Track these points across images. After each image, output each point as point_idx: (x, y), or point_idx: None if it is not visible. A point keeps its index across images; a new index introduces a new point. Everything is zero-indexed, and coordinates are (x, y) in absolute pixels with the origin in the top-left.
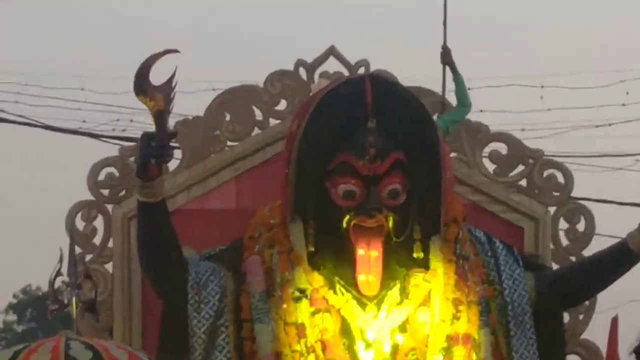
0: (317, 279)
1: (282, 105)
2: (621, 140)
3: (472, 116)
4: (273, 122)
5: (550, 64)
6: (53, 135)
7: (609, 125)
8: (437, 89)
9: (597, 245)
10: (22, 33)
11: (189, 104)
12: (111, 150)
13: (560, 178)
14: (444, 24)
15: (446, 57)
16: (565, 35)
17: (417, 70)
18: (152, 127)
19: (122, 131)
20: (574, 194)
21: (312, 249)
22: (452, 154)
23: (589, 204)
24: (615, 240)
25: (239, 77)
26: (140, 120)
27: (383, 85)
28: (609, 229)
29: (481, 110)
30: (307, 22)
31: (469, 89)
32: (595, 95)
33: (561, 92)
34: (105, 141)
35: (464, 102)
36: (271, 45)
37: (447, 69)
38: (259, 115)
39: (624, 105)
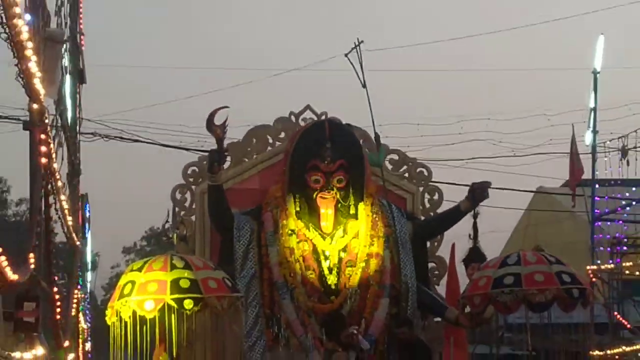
0: (300, 224)
1: (283, 135)
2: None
3: (385, 141)
4: (277, 144)
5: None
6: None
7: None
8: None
9: (444, 207)
10: None
11: (234, 133)
12: (195, 158)
13: (426, 172)
14: (370, 108)
15: (377, 140)
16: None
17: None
18: (215, 146)
19: (201, 146)
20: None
21: (297, 209)
22: (370, 155)
23: (441, 185)
24: (453, 204)
25: (263, 114)
26: (211, 142)
27: (335, 124)
28: (454, 197)
29: (386, 137)
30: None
31: (380, 125)
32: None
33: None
34: (193, 152)
35: (377, 162)
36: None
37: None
38: (270, 140)
39: None
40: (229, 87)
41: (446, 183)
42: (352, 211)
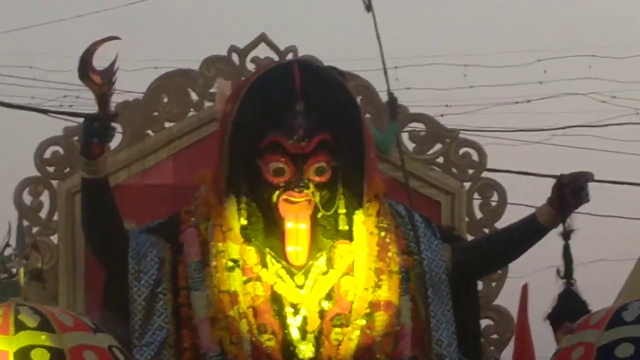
0: (249, 250)
1: (216, 88)
2: (538, 116)
3: (399, 94)
4: (208, 104)
5: (473, 43)
6: (2, 110)
7: (528, 102)
8: (367, 70)
9: (512, 215)
10: None
11: (132, 82)
12: (59, 125)
13: (474, 156)
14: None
15: (392, 105)
16: (488, 16)
17: (346, 54)
18: (94, 108)
19: (69, 107)
20: (494, 166)
21: (244, 222)
22: (374, 130)
23: (508, 176)
24: (531, 211)
25: (179, 56)
26: (86, 97)
27: (310, 70)
28: (526, 199)
29: (407, 88)
30: (241, 8)
31: (395, 67)
32: (515, 74)
33: (483, 71)
34: (52, 116)
35: (385, 145)
36: (208, 29)
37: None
38: (194, 97)
39: (540, 83)
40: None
41: (513, 172)
42: (341, 226)
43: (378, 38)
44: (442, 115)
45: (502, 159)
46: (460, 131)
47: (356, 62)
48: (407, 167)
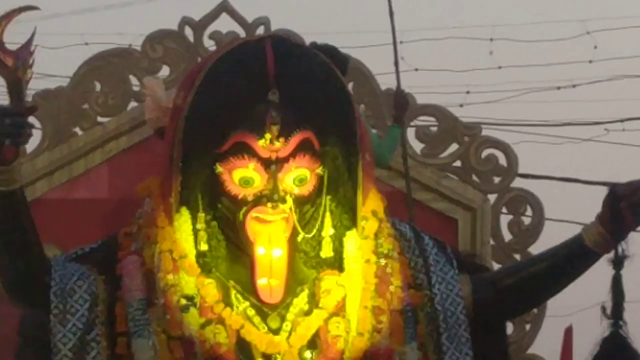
0: (208, 284)
1: (164, 72)
2: (587, 105)
3: (406, 77)
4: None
5: (501, 12)
6: None
7: (573, 86)
8: (361, 46)
9: (551, 236)
10: None
11: (56, 64)
12: None
13: (502, 159)
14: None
15: (399, 106)
16: None
17: (332, 27)
18: (7, 100)
19: None
20: (528, 170)
21: (202, 247)
22: (372, 132)
23: (545, 184)
24: (577, 230)
25: (117, 29)
26: None
27: (287, 49)
28: (572, 213)
29: (415, 69)
30: None
31: (400, 42)
32: (556, 50)
33: (515, 47)
34: None
35: (384, 155)
36: None
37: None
38: (136, 84)
39: (590, 62)
40: None
41: (552, 179)
42: (328, 252)
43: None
44: (461, 106)
45: (538, 162)
46: (484, 126)
47: (346, 37)
48: (414, 175)
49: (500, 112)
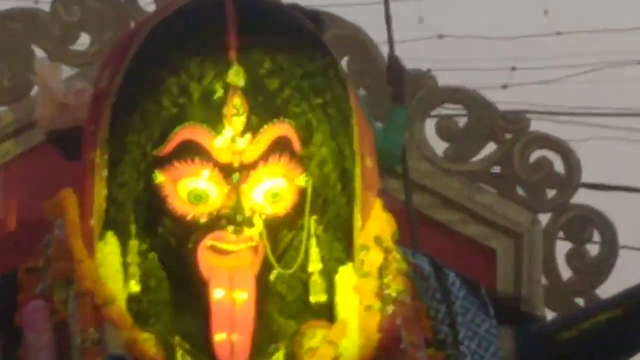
0: (144, 341)
1: (83, 41)
2: None
3: (425, 48)
4: (67, 71)
5: None
6: None
7: None
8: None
9: (627, 273)
10: None
11: None
12: None
13: (558, 165)
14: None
15: (395, 78)
16: None
17: None
18: None
19: None
20: (597, 179)
21: (134, 288)
22: (375, 125)
23: (624, 198)
24: None
25: None
26: None
27: (255, 10)
28: None
29: (440, 36)
30: None
31: None
32: (637, 8)
33: (579, 4)
34: None
35: (391, 149)
36: None
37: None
38: (42, 55)
39: None
40: None
41: (631, 190)
42: (315, 295)
43: None
44: (503, 87)
45: (611, 167)
46: (534, 117)
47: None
48: (434, 186)
49: (558, 96)
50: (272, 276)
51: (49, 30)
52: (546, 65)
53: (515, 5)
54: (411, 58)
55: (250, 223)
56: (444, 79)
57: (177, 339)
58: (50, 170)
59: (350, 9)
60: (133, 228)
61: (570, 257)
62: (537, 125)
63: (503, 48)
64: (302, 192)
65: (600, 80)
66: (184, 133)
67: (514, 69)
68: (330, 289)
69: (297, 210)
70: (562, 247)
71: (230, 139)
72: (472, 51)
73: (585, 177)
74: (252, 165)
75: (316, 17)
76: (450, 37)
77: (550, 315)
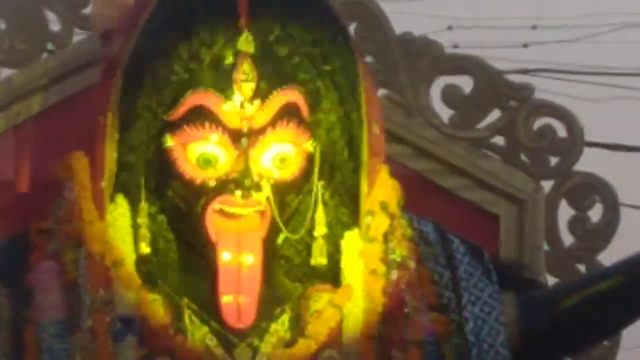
0: (152, 301)
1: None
2: None
3: (429, 4)
4: (79, 36)
5: None
6: None
7: None
8: None
9: (630, 240)
10: None
11: None
12: None
13: (562, 131)
14: None
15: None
16: None
17: None
18: None
19: None
20: (618, 139)
21: (144, 250)
22: (380, 92)
23: (625, 163)
24: None
25: None
26: None
27: None
28: None
29: None
30: None
31: None
32: None
33: None
34: None
35: None
36: None
37: None
38: (55, 24)
39: None
40: None
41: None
42: (320, 258)
43: None
44: (524, 46)
45: (631, 127)
46: (554, 73)
47: None
48: (439, 152)
49: (582, 54)
50: (279, 240)
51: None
52: (567, 24)
53: None
54: (433, 15)
55: (258, 187)
56: (464, 36)
57: (185, 300)
58: (62, 132)
59: None
60: (143, 191)
61: (572, 224)
62: (557, 85)
63: (524, 6)
64: (309, 158)
65: (620, 40)
66: (194, 98)
67: (534, 27)
68: (336, 253)
69: (305, 176)
70: (565, 214)
71: (240, 104)
72: (494, 9)
73: (604, 137)
74: (261, 131)
75: None
76: None
77: (552, 281)
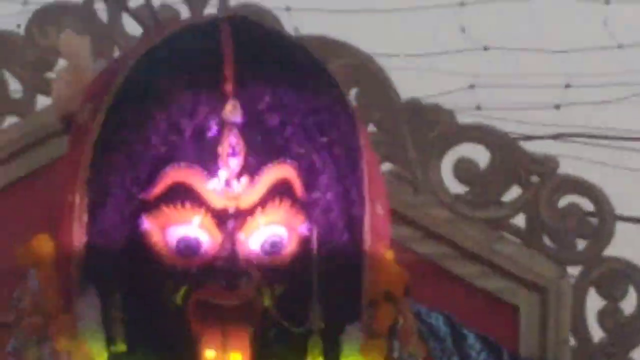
0: None
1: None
2: None
3: (468, 60)
4: (43, 102)
5: None
6: None
7: None
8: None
9: None
10: None
11: None
12: None
13: (590, 210)
14: None
15: None
16: None
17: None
18: None
19: None
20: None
21: (120, 347)
22: (385, 167)
23: None
24: None
25: None
26: None
27: (254, 38)
28: None
29: (485, 48)
30: None
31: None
32: None
33: None
34: None
35: None
36: None
37: None
38: (16, 89)
39: None
40: None
41: None
42: (316, 356)
43: None
44: (556, 108)
45: None
46: (589, 138)
47: (343, 16)
48: (451, 235)
49: (617, 118)
50: (270, 335)
51: (21, 54)
52: (604, 82)
53: (570, 14)
54: (452, 71)
55: (246, 276)
56: (489, 96)
57: None
58: (24, 212)
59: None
60: (116, 279)
61: (602, 316)
62: (592, 151)
63: (556, 62)
64: (304, 242)
65: None
66: (173, 174)
67: (568, 86)
68: (335, 349)
69: (299, 262)
70: (593, 305)
71: (225, 182)
72: (521, 65)
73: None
74: (249, 212)
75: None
76: (496, 49)
77: None
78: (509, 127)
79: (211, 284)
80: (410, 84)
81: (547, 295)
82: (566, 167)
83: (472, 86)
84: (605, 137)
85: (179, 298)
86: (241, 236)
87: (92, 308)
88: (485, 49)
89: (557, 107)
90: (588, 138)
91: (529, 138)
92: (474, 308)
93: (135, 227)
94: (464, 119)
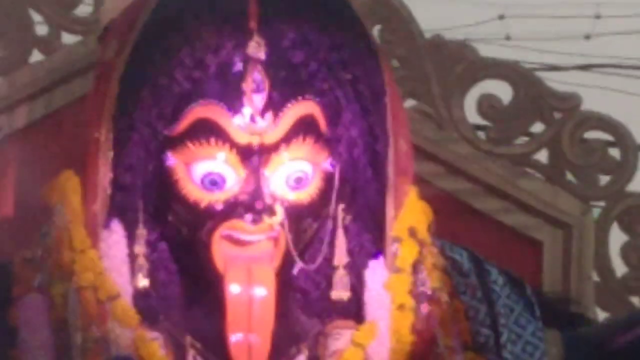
0: (151, 341)
1: (85, 8)
2: None
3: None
4: (68, 39)
5: None
6: None
7: None
8: None
9: None
10: None
11: None
12: None
13: (613, 148)
14: None
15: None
16: None
17: None
18: None
19: None
20: None
21: (142, 282)
22: (408, 103)
23: None
24: None
25: None
26: None
27: None
28: None
29: None
30: None
31: None
32: None
33: None
34: None
35: None
36: None
37: None
38: (41, 27)
39: None
40: None
41: None
42: (339, 292)
43: None
44: (586, 38)
45: None
46: (619, 69)
47: None
48: (474, 171)
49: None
50: (295, 270)
51: None
52: (635, 12)
53: None
54: (482, 1)
55: (270, 211)
56: (518, 27)
57: (188, 338)
58: (50, 149)
59: None
60: (141, 215)
61: (625, 251)
62: (622, 82)
63: None
64: (328, 178)
65: None
66: (198, 111)
67: (598, 16)
68: (358, 285)
69: (323, 198)
70: (617, 240)
71: (250, 118)
72: None
73: None
74: (274, 148)
75: None
76: None
77: (602, 315)
78: (538, 57)
79: (236, 219)
80: (441, 13)
81: (570, 231)
82: (594, 98)
83: (501, 16)
84: (635, 68)
85: (204, 233)
86: (266, 172)
87: (117, 243)
88: None
89: (587, 37)
90: (616, 68)
91: (557, 68)
92: (497, 243)
93: (160, 163)
94: (493, 49)
